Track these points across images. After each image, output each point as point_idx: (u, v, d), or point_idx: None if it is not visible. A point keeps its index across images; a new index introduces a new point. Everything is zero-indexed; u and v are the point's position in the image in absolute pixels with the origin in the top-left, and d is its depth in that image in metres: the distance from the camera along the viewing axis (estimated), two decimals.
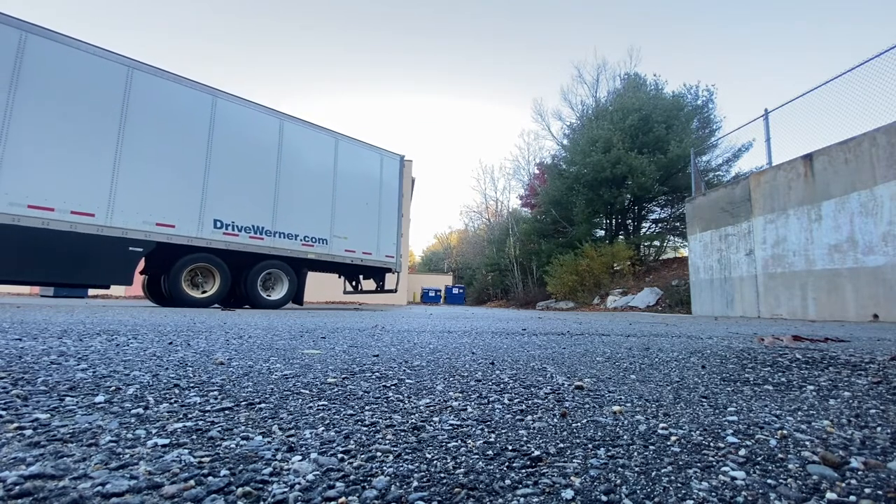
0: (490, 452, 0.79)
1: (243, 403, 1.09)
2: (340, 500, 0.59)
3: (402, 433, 0.89)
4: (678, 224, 20.29)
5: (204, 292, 8.02)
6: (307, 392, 1.23)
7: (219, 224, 7.93)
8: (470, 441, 0.85)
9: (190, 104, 7.77)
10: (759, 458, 0.78)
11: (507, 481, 0.67)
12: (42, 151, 6.20)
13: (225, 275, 8.07)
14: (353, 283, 11.11)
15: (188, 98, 7.76)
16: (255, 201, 8.46)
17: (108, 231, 6.69)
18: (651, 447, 0.84)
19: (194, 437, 0.83)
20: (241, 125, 8.35)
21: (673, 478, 0.69)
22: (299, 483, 0.64)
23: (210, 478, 0.64)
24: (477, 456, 0.78)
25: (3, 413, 0.93)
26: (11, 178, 5.87)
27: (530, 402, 1.19)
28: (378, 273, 10.76)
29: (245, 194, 8.36)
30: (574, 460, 0.76)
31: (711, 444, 0.86)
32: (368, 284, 11.16)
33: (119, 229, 6.80)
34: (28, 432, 0.82)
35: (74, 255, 6.35)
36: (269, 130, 8.75)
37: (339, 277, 11.24)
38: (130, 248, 6.92)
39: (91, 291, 17.79)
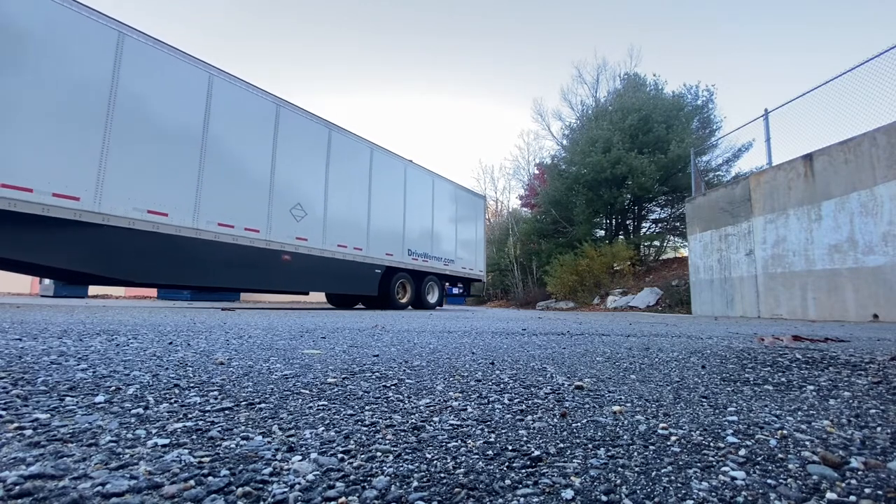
0: (490, 452, 0.79)
1: (243, 403, 1.09)
2: (340, 500, 0.59)
3: (402, 433, 0.89)
4: (678, 224, 20.27)
5: (403, 298, 11.48)
6: (307, 392, 1.23)
7: (410, 252, 11.50)
8: (470, 441, 0.85)
9: (395, 170, 11.36)
10: (759, 458, 0.78)
11: (507, 481, 0.67)
12: (341, 210, 9.62)
13: (413, 286, 11.73)
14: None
15: (394, 166, 11.29)
16: (423, 235, 12.11)
17: (367, 259, 10.15)
18: (651, 447, 0.84)
19: (194, 437, 0.83)
20: (416, 180, 12.06)
21: (673, 478, 0.69)
22: (299, 483, 0.64)
23: (210, 478, 0.64)
24: (477, 456, 0.78)
25: (3, 413, 0.93)
26: (330, 230, 9.29)
27: (530, 402, 1.19)
28: (467, 282, 14.71)
29: (419, 231, 11.96)
30: (574, 460, 0.76)
31: (711, 444, 0.86)
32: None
33: (371, 258, 10.25)
34: (28, 432, 0.82)
35: (349, 274, 9.77)
36: (426, 184, 12.49)
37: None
38: (375, 270, 10.41)
39: (91, 291, 17.78)
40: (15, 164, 5.31)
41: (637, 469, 0.73)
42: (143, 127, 6.50)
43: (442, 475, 0.69)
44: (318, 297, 20.25)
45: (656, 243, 22.58)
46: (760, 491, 0.65)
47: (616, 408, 1.13)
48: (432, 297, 12.61)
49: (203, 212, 7.06)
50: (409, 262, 11.38)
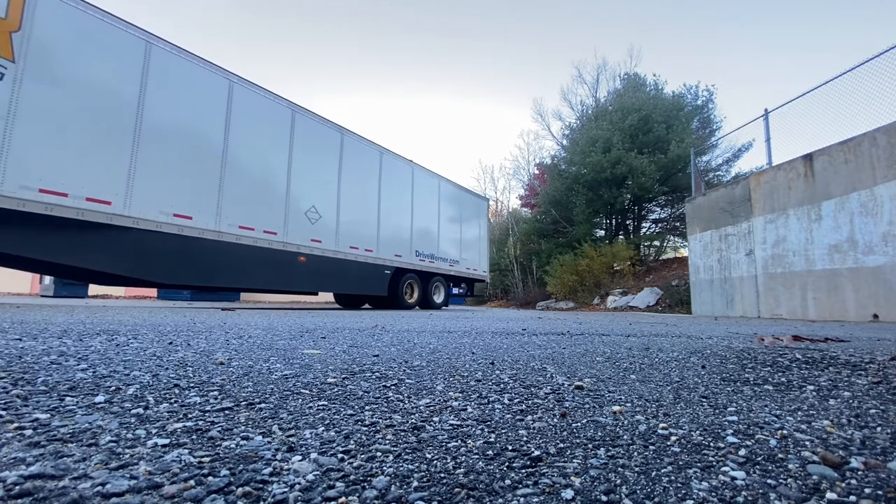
0: (490, 452, 0.79)
1: (243, 403, 1.09)
2: (340, 500, 0.59)
3: (402, 433, 0.89)
4: (678, 224, 20.27)
5: (411, 298, 11.79)
6: (307, 392, 1.23)
7: (417, 253, 11.81)
8: (470, 441, 0.85)
9: (403, 173, 11.63)
10: (759, 458, 0.78)
11: (507, 481, 0.67)
12: (352, 212, 9.88)
13: (420, 286, 12.03)
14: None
15: (402, 168, 11.64)
16: (430, 236, 12.42)
17: (377, 260, 10.45)
18: (651, 447, 0.84)
19: (194, 437, 0.83)
20: (423, 183, 12.31)
21: (673, 478, 0.69)
22: (299, 483, 0.64)
23: (210, 478, 0.64)
24: (477, 456, 0.78)
25: (3, 413, 0.93)
26: (343, 232, 9.59)
27: (530, 402, 1.19)
28: (470, 283, 15.14)
29: (425, 232, 12.24)
30: (574, 460, 0.76)
31: (711, 444, 0.86)
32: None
33: (381, 259, 10.56)
34: (28, 432, 0.82)
35: (361, 275, 10.08)
36: (432, 186, 12.75)
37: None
38: (385, 271, 10.72)
39: (91, 291, 17.78)
40: (51, 169, 5.47)
41: (637, 469, 0.73)
42: (169, 133, 6.68)
43: (442, 475, 0.69)
44: (322, 297, 20.37)
45: (656, 243, 22.58)
46: (760, 491, 0.65)
47: (616, 408, 1.13)
48: (438, 297, 12.99)
49: (224, 215, 7.33)
50: (417, 263, 11.72)
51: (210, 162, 7.22)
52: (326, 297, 20.20)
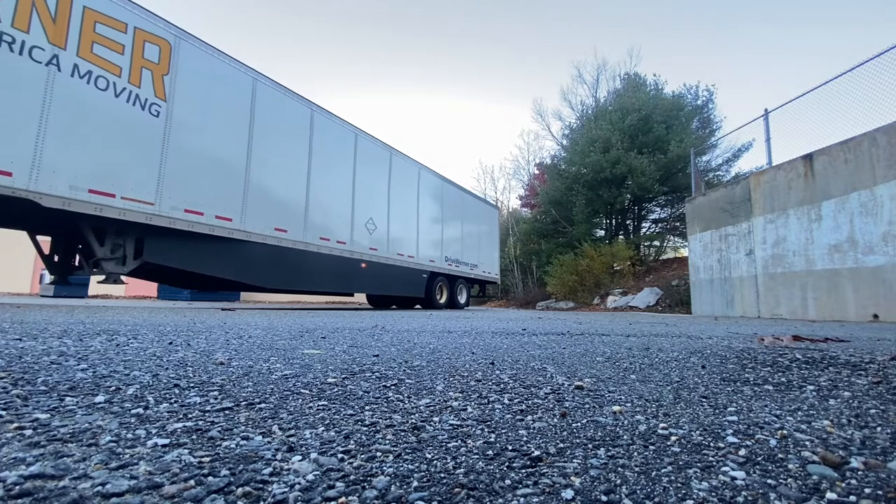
0: (490, 452, 0.79)
1: (243, 403, 1.09)
2: (340, 500, 0.59)
3: (402, 433, 0.89)
4: (678, 224, 20.26)
5: (441, 299, 13.11)
6: (307, 392, 1.23)
7: (446, 258, 13.18)
8: (470, 441, 0.85)
9: (436, 186, 13.00)
10: (759, 458, 0.78)
11: (507, 481, 0.67)
12: (398, 223, 11.03)
13: (448, 288, 13.41)
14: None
15: (435, 183, 12.99)
16: (455, 243, 13.75)
17: (417, 266, 11.69)
18: (651, 447, 0.84)
19: (194, 437, 0.83)
20: (450, 195, 13.70)
21: (673, 478, 0.69)
22: (299, 483, 0.64)
23: (210, 478, 0.64)
24: (477, 456, 0.78)
25: (3, 413, 0.93)
26: (392, 241, 10.70)
27: (530, 402, 1.19)
28: (483, 284, 16.45)
29: (452, 239, 13.59)
30: (574, 460, 0.76)
31: (711, 444, 0.86)
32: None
33: (420, 264, 11.80)
34: (28, 432, 0.82)
35: (405, 278, 11.27)
36: (457, 198, 14.17)
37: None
38: (423, 275, 12.01)
39: (91, 291, 17.78)
40: (191, 192, 6.44)
41: (637, 469, 0.73)
42: (271, 156, 7.65)
43: (442, 475, 0.69)
44: (323, 297, 20.41)
45: (656, 243, 22.58)
46: (760, 491, 0.65)
47: (616, 408, 1.13)
48: (462, 298, 14.32)
49: (309, 227, 8.34)
50: (446, 268, 13.04)
51: (299, 180, 8.24)
52: (329, 297, 20.25)
